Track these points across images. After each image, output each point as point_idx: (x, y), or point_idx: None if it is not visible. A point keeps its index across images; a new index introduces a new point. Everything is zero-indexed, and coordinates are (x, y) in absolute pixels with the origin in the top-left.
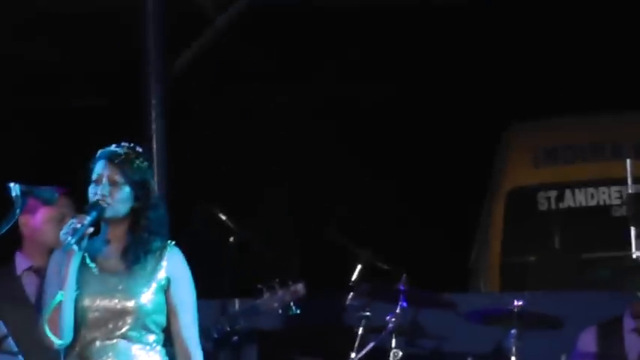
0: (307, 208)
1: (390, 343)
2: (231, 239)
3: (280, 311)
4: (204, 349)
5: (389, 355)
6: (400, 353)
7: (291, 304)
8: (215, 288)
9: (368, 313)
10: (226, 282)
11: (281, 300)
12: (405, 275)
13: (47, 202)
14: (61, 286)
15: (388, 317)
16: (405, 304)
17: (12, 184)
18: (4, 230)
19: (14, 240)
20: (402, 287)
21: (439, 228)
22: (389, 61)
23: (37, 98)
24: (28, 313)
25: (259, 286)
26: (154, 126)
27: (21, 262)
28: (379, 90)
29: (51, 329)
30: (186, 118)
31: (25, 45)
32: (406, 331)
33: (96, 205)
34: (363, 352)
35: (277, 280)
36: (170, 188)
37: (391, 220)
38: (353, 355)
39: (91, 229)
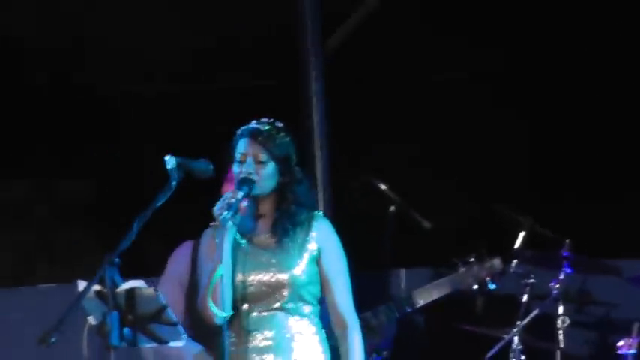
0: (470, 177)
1: (557, 310)
2: (392, 209)
3: (476, 287)
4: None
5: (556, 322)
6: (568, 320)
7: (487, 279)
8: (376, 260)
9: (532, 280)
10: (388, 253)
11: (476, 275)
12: (568, 241)
13: (202, 174)
14: (218, 261)
15: (552, 283)
16: (568, 270)
17: (167, 157)
18: (161, 203)
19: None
20: (565, 253)
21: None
22: None
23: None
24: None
25: (454, 260)
26: (314, 101)
27: None
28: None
29: (214, 303)
30: (344, 93)
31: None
32: (572, 297)
33: (246, 181)
34: (528, 318)
35: (473, 254)
36: (331, 162)
37: (555, 187)
38: (518, 322)
39: (245, 204)
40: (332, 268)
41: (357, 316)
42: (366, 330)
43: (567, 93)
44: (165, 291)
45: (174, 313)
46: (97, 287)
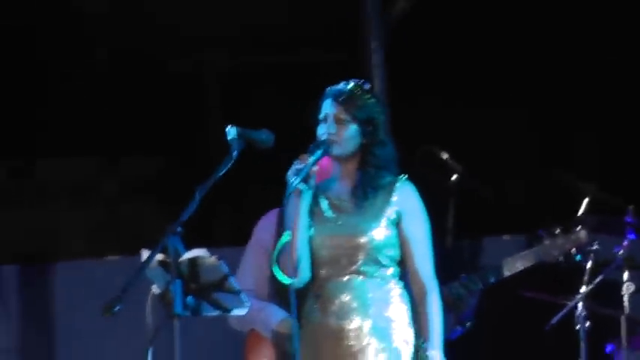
0: (530, 145)
1: (621, 277)
2: (454, 178)
3: (561, 259)
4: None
5: (620, 289)
6: (633, 286)
7: (573, 251)
8: (439, 229)
9: (596, 247)
10: (451, 223)
11: (562, 247)
12: (632, 207)
13: (264, 144)
14: (291, 227)
15: (616, 250)
16: (633, 237)
17: (228, 127)
18: (222, 172)
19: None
20: (629, 219)
21: None
22: None
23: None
24: None
25: (540, 232)
26: (374, 71)
27: None
28: None
29: (281, 269)
30: (405, 63)
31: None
32: (637, 264)
33: (321, 144)
34: (592, 285)
35: (559, 226)
36: (392, 132)
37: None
38: (582, 288)
39: (316, 168)
40: (412, 232)
41: (437, 282)
42: (450, 302)
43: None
44: (250, 258)
45: (258, 281)
46: (160, 256)
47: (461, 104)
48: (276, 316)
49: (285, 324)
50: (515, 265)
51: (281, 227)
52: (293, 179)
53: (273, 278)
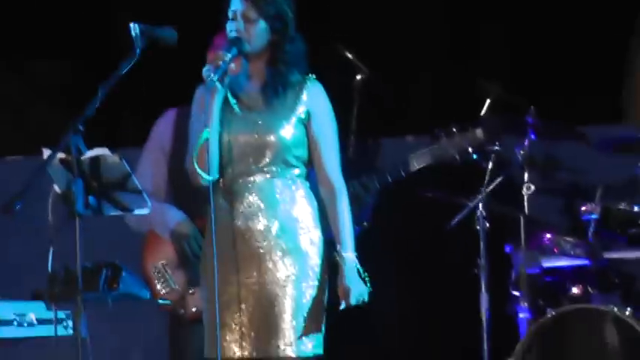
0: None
1: (522, 177)
2: (358, 77)
3: (457, 157)
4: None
5: (520, 189)
6: (532, 187)
7: (470, 149)
8: (344, 129)
9: (497, 148)
10: (355, 123)
11: (458, 146)
12: (532, 107)
13: (167, 41)
14: (206, 124)
15: (516, 150)
16: (533, 137)
17: (132, 24)
18: (125, 70)
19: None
20: (530, 120)
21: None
22: None
23: None
24: None
25: (436, 131)
26: None
27: None
28: None
29: (200, 166)
30: None
31: None
32: (538, 164)
33: (235, 42)
34: (493, 185)
35: (455, 125)
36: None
37: (520, 54)
38: (483, 189)
39: (233, 66)
40: (321, 131)
41: (344, 181)
42: None
43: None
44: (149, 158)
45: (157, 181)
46: (61, 155)
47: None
48: (174, 217)
49: (183, 225)
50: (412, 163)
51: (179, 126)
52: (212, 75)
53: (172, 178)
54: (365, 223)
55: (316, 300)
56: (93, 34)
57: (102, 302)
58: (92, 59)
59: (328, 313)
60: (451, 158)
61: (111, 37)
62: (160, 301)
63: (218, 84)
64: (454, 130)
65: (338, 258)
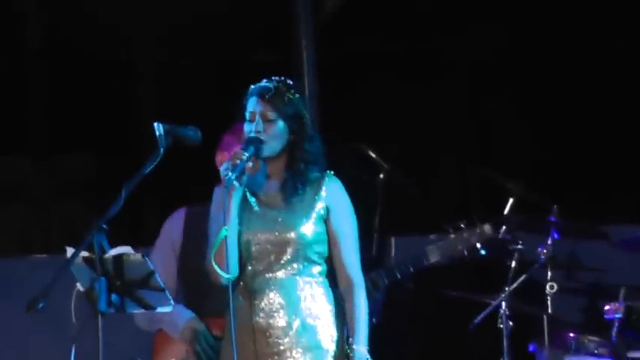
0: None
1: (545, 276)
2: (381, 176)
3: (466, 253)
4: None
5: (544, 288)
6: (556, 286)
7: (478, 245)
8: (366, 227)
9: (520, 247)
10: (377, 221)
11: (467, 241)
12: (555, 207)
13: (191, 141)
14: (224, 222)
15: (539, 249)
16: (556, 236)
17: (156, 124)
18: (149, 169)
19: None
20: (553, 219)
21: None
22: None
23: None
24: None
25: (445, 226)
26: (305, 67)
27: None
28: None
29: (218, 265)
30: (338, 60)
31: None
32: (561, 263)
33: (253, 141)
34: (516, 284)
35: (464, 220)
36: (321, 129)
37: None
38: (506, 288)
39: (250, 165)
40: (340, 226)
41: (363, 276)
42: None
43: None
44: (159, 256)
45: (167, 279)
46: (84, 254)
47: (390, 102)
48: (183, 316)
49: (192, 324)
50: (421, 260)
51: (190, 225)
52: (230, 174)
53: (182, 277)
54: (373, 319)
55: None
56: (116, 128)
57: None
58: (116, 153)
59: None
60: (460, 254)
61: (134, 131)
62: None
63: (236, 182)
64: (462, 225)
65: (349, 351)
